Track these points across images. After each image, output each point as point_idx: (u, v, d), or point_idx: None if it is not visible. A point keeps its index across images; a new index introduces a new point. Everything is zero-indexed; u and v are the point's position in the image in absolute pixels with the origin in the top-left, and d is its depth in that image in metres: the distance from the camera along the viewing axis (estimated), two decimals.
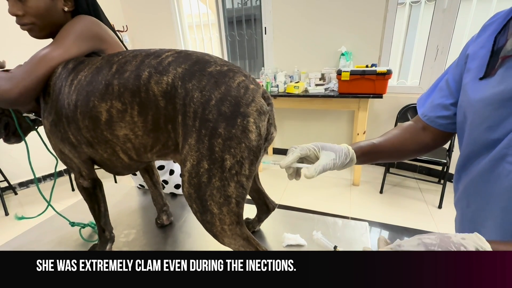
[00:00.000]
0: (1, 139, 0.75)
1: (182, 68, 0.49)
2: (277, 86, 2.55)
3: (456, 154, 2.10)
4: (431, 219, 1.90)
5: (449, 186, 2.20)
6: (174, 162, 1.04)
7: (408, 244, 0.37)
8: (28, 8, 0.61)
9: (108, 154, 0.60)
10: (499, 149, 0.42)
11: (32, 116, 0.70)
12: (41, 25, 0.64)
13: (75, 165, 0.66)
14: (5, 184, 2.40)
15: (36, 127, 0.76)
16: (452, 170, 2.21)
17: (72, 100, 0.56)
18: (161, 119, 0.52)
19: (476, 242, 0.35)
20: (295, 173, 0.57)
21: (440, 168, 2.36)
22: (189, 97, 0.47)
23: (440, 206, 2.01)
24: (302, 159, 0.56)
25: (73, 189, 2.56)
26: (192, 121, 0.47)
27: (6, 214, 2.19)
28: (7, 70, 0.67)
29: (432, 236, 0.37)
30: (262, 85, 0.50)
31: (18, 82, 0.58)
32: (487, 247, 0.35)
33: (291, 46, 2.69)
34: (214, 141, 0.45)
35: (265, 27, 2.73)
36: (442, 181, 2.11)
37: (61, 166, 2.81)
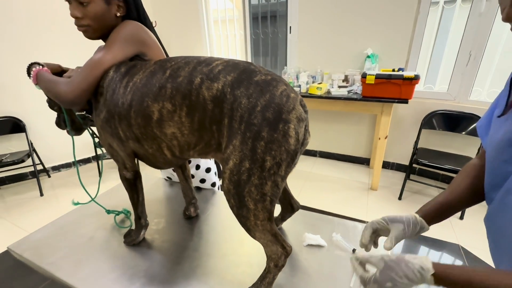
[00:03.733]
0: (65, 131, 0.87)
1: (232, 76, 0.55)
2: (299, 86, 2.56)
3: None
4: (451, 230, 1.85)
5: None
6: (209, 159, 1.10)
7: (374, 259, 0.48)
8: (88, 12, 0.68)
9: (153, 149, 0.67)
10: (510, 180, 0.43)
11: (84, 114, 0.79)
12: (96, 27, 0.71)
13: (120, 158, 0.73)
14: (40, 167, 2.59)
15: (86, 125, 0.84)
16: None
17: (127, 99, 0.63)
18: (206, 120, 0.57)
19: (422, 262, 0.42)
20: (372, 243, 0.61)
21: None
22: (237, 102, 0.52)
23: (461, 217, 1.96)
24: (377, 231, 0.60)
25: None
26: (238, 124, 0.52)
27: (41, 195, 2.37)
28: (65, 71, 0.77)
29: (393, 256, 0.46)
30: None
31: (76, 86, 0.66)
32: (429, 268, 0.41)
33: (315, 46, 2.67)
34: (257, 143, 0.50)
35: (290, 26, 2.73)
36: None
37: (90, 154, 2.98)
